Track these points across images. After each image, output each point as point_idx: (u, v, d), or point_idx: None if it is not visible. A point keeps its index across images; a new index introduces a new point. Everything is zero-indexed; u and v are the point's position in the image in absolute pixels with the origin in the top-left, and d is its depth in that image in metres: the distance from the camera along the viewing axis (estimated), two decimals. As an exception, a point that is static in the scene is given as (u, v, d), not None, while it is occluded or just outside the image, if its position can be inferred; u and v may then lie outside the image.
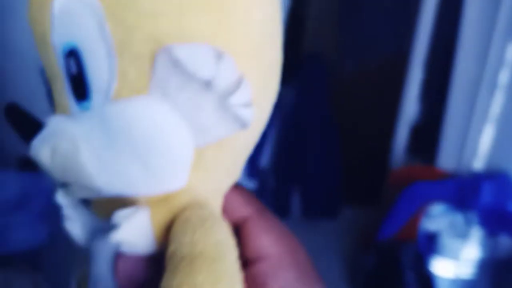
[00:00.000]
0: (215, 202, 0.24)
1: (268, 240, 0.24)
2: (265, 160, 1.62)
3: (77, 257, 0.28)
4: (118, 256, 0.23)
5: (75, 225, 0.25)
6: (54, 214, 0.26)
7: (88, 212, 0.26)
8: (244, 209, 0.25)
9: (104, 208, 0.24)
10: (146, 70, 0.20)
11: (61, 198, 0.25)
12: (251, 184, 1.64)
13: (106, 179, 0.21)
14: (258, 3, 0.21)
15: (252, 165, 1.66)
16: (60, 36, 0.20)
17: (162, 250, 0.22)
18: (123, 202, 0.22)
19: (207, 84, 0.19)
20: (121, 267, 0.22)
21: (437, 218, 1.02)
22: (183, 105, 0.19)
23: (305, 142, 1.48)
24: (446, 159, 1.20)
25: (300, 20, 1.62)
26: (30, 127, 0.21)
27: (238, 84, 0.19)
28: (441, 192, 1.07)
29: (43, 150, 0.21)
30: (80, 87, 0.20)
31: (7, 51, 1.44)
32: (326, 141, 1.52)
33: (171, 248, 0.20)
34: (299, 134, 1.46)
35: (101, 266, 0.23)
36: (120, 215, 0.21)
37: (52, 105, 0.23)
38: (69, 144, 0.20)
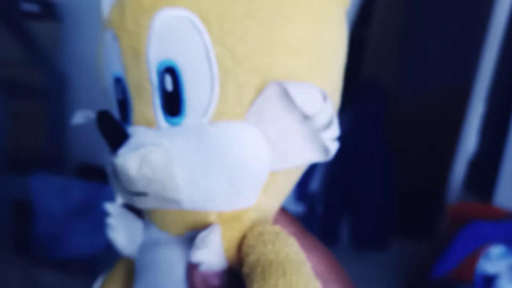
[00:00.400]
0: (271, 220, 0.25)
1: (314, 257, 0.24)
2: (315, 184, 1.60)
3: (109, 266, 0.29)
4: (193, 269, 0.23)
5: (120, 235, 0.25)
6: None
7: (140, 223, 0.26)
8: (288, 228, 0.25)
9: (170, 221, 0.24)
10: (247, 98, 0.21)
11: (111, 207, 0.25)
12: (299, 208, 1.63)
13: (191, 192, 0.21)
14: (342, 47, 0.24)
15: (302, 188, 1.65)
16: (157, 52, 0.21)
17: (230, 265, 0.23)
18: (193, 217, 0.23)
19: (309, 119, 0.20)
20: (198, 279, 0.23)
21: (496, 261, 0.97)
22: (273, 133, 0.21)
23: (358, 169, 1.45)
24: (505, 197, 1.13)
25: (360, 44, 1.61)
26: (118, 135, 0.21)
27: (332, 120, 0.21)
28: (501, 233, 1.02)
29: (132, 159, 0.21)
30: (173, 104, 0.21)
31: (73, 60, 1.52)
32: (380, 170, 1.48)
33: (252, 258, 0.21)
34: (352, 160, 1.44)
35: (170, 277, 0.24)
36: (201, 237, 0.22)
37: (122, 114, 0.23)
38: (163, 156, 0.21)
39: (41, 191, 0.88)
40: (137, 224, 0.26)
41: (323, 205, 1.51)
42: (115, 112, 0.23)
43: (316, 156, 0.21)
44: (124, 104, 0.23)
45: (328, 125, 0.21)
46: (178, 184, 0.21)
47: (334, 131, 0.21)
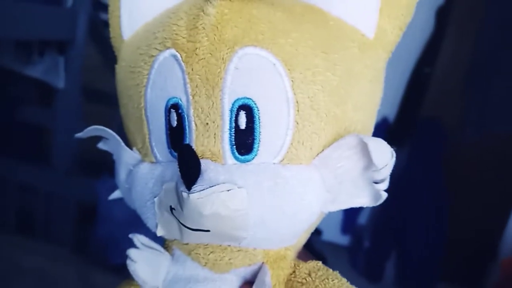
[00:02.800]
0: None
1: None
2: (363, 217, 1.57)
3: None
4: None
5: (142, 268, 0.24)
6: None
7: (167, 256, 0.25)
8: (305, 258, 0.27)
9: (216, 259, 0.24)
10: (316, 144, 0.22)
11: (138, 239, 0.25)
12: (344, 241, 1.59)
13: (255, 232, 0.21)
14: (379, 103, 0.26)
15: (348, 221, 1.61)
16: (234, 88, 0.21)
17: None
18: (242, 255, 0.23)
19: (369, 169, 0.21)
20: None
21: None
22: (331, 178, 0.22)
23: (410, 207, 1.41)
24: None
25: (423, 81, 1.57)
26: (195, 172, 0.20)
27: (388, 172, 0.22)
28: None
29: (207, 197, 0.20)
30: (245, 142, 0.21)
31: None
32: (433, 210, 1.43)
33: None
34: (405, 197, 1.40)
35: None
36: (261, 279, 0.22)
37: (172, 142, 0.23)
38: (239, 195, 0.21)
39: (107, 195, 0.91)
40: (163, 258, 0.25)
41: (370, 240, 1.47)
42: (160, 137, 0.23)
43: (366, 202, 0.22)
44: (176, 132, 0.22)
45: (387, 177, 0.22)
46: (248, 223, 0.21)
47: (387, 182, 0.22)
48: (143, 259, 0.25)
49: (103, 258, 0.86)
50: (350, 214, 1.58)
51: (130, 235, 0.25)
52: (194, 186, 0.20)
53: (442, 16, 1.48)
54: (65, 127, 1.01)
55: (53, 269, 0.85)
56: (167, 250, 0.25)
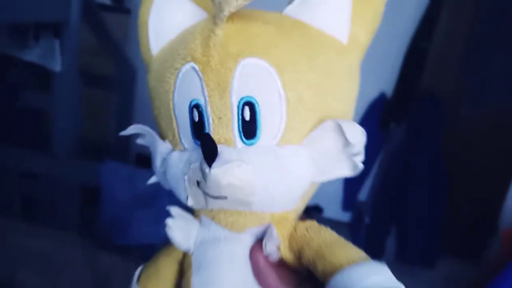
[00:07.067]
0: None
1: None
2: (363, 194, 1.58)
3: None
4: (256, 251, 0.30)
5: (177, 233, 0.31)
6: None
7: (196, 222, 0.32)
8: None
9: (233, 221, 0.30)
10: (305, 129, 0.28)
11: (173, 209, 0.32)
12: (345, 217, 1.61)
13: (261, 197, 0.28)
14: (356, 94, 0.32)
15: (349, 197, 1.63)
16: (239, 89, 0.27)
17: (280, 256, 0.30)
18: (253, 217, 0.30)
19: (348, 146, 0.28)
20: (261, 258, 0.29)
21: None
22: (318, 155, 0.28)
23: (410, 183, 1.43)
24: None
25: (420, 55, 1.57)
26: (214, 153, 0.27)
27: (362, 147, 0.28)
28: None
29: (225, 171, 0.27)
30: (249, 130, 0.28)
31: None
32: (432, 185, 1.45)
33: (315, 244, 0.29)
34: (404, 173, 1.41)
35: (234, 265, 0.30)
36: (270, 231, 0.29)
37: (195, 132, 0.29)
38: (247, 170, 0.27)
39: (110, 178, 0.92)
40: (193, 224, 0.32)
41: (370, 216, 1.49)
42: (185, 131, 0.30)
43: (347, 172, 0.29)
44: (198, 125, 0.29)
45: (361, 151, 0.28)
46: (254, 191, 0.28)
47: (363, 155, 0.28)
48: (177, 226, 0.31)
49: (108, 239, 0.87)
50: (350, 191, 1.60)
51: (167, 207, 0.31)
52: (214, 163, 0.26)
53: (439, -11, 1.47)
54: (64, 111, 1.01)
55: (59, 252, 0.87)
56: (196, 218, 0.32)
